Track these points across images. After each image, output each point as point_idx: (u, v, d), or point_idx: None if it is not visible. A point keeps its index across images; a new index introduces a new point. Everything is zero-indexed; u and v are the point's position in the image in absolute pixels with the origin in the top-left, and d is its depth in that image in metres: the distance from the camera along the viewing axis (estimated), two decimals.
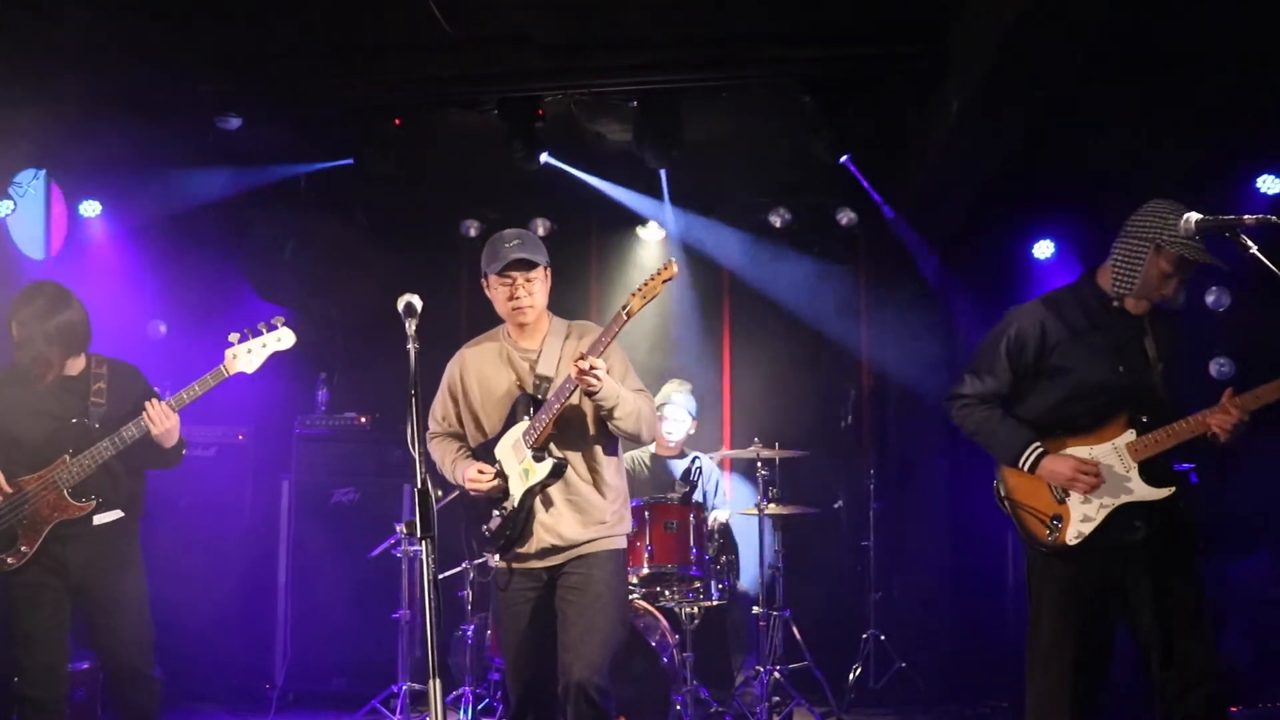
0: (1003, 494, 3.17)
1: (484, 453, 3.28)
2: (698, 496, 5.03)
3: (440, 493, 4.15)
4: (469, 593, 5.11)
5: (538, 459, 3.15)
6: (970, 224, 6.17)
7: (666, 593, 4.77)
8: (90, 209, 6.21)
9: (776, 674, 5.01)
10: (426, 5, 4.40)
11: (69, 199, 6.15)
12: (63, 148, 5.47)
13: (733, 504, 5.68)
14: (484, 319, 3.55)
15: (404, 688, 5.09)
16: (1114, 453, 3.00)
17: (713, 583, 4.78)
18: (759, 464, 5.06)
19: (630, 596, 4.57)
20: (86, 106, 5.06)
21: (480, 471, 3.20)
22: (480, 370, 3.33)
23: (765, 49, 4.94)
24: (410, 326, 2.65)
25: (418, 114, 5.51)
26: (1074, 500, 3.01)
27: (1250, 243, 2.68)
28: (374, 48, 5.01)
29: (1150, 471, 2.97)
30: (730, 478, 6.28)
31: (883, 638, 5.70)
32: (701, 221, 6.57)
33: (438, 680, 2.31)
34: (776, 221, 6.43)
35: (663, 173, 5.79)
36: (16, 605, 3.43)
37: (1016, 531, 3.17)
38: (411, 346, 2.62)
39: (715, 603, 4.86)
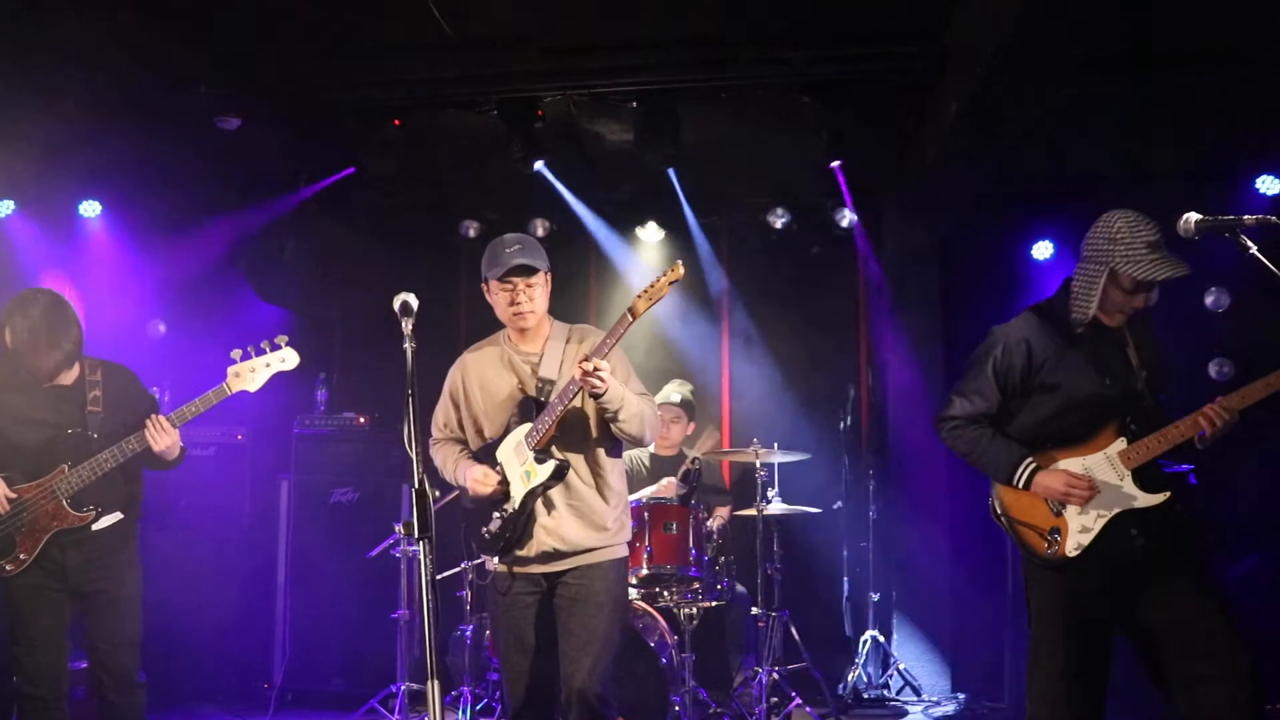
0: (999, 510, 3.16)
1: (485, 455, 3.28)
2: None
3: (438, 493, 4.14)
4: (468, 593, 5.11)
5: (540, 461, 3.15)
6: (969, 225, 6.17)
7: (665, 593, 4.77)
8: (90, 209, 6.22)
9: (775, 675, 5.00)
10: (426, 6, 4.40)
11: (70, 199, 6.17)
12: (63, 148, 5.48)
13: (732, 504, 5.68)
14: (483, 319, 3.55)
15: (402, 688, 5.09)
16: (1106, 462, 3.00)
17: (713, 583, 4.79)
18: (758, 465, 5.06)
19: (629, 597, 4.57)
20: (87, 107, 5.06)
21: (485, 474, 3.20)
22: (482, 375, 3.33)
23: (764, 50, 4.94)
24: (406, 325, 2.65)
25: (418, 115, 5.51)
26: (1071, 512, 3.00)
27: (1250, 243, 2.68)
28: (374, 49, 5.02)
29: (1144, 478, 2.96)
30: (729, 478, 6.28)
31: (881, 639, 5.70)
32: (701, 222, 6.58)
33: (436, 680, 2.30)
34: (776, 222, 6.43)
35: (671, 172, 5.79)
36: (16, 606, 3.43)
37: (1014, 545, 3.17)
38: (408, 346, 2.62)
39: (714, 603, 4.86)
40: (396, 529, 5.07)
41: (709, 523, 4.92)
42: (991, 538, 5.47)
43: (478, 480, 3.19)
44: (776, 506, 5.11)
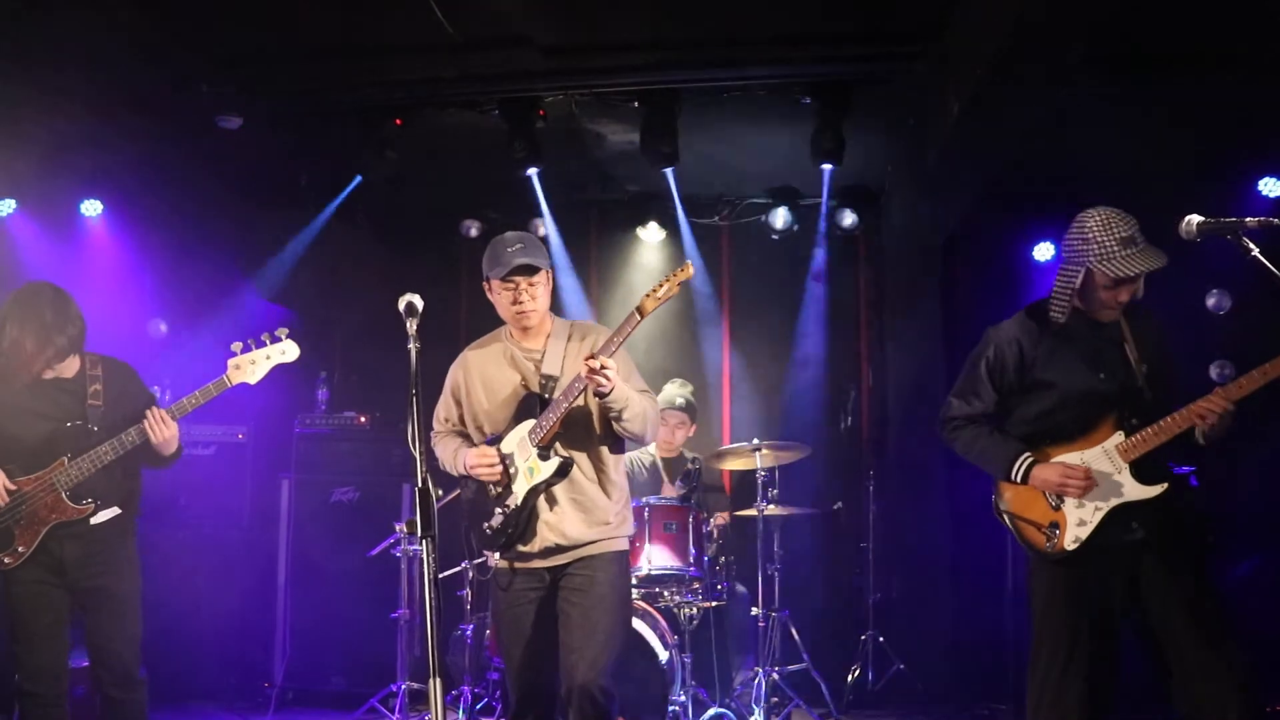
0: (1001, 507, 3.19)
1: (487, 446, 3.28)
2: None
3: (440, 491, 4.14)
4: (468, 592, 5.12)
5: (543, 457, 3.15)
6: (970, 225, 6.18)
7: (665, 593, 4.78)
8: (92, 208, 6.23)
9: (775, 675, 5.01)
10: (428, 6, 4.40)
11: (71, 198, 6.17)
12: (65, 147, 5.48)
13: (732, 505, 5.68)
14: (484, 318, 3.56)
15: (403, 687, 5.09)
16: (1104, 456, 3.01)
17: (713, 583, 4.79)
18: (759, 465, 5.06)
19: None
20: (88, 106, 5.06)
21: (483, 452, 3.19)
22: (484, 372, 3.34)
23: (766, 50, 4.95)
24: (411, 326, 2.66)
25: (419, 114, 5.51)
26: (1069, 506, 3.02)
27: (1252, 245, 2.69)
28: (376, 48, 5.01)
29: (1141, 470, 2.98)
30: (729, 478, 6.28)
31: (881, 639, 5.70)
32: (702, 222, 6.58)
33: (438, 679, 2.31)
34: (777, 222, 6.43)
35: (669, 172, 5.79)
36: (16, 603, 3.43)
37: (1017, 541, 3.17)
38: (412, 346, 2.63)
39: (714, 603, 4.86)
40: (397, 528, 5.09)
41: (709, 524, 4.92)
42: (991, 538, 5.47)
43: (476, 459, 3.19)
44: (776, 507, 5.12)
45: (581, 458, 3.22)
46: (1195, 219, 2.73)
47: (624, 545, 3.29)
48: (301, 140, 5.77)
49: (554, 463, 3.14)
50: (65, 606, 3.48)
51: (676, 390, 5.41)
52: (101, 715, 3.51)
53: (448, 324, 6.52)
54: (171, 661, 5.05)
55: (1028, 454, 3.07)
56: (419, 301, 2.69)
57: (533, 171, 5.66)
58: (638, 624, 4.44)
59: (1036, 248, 6.18)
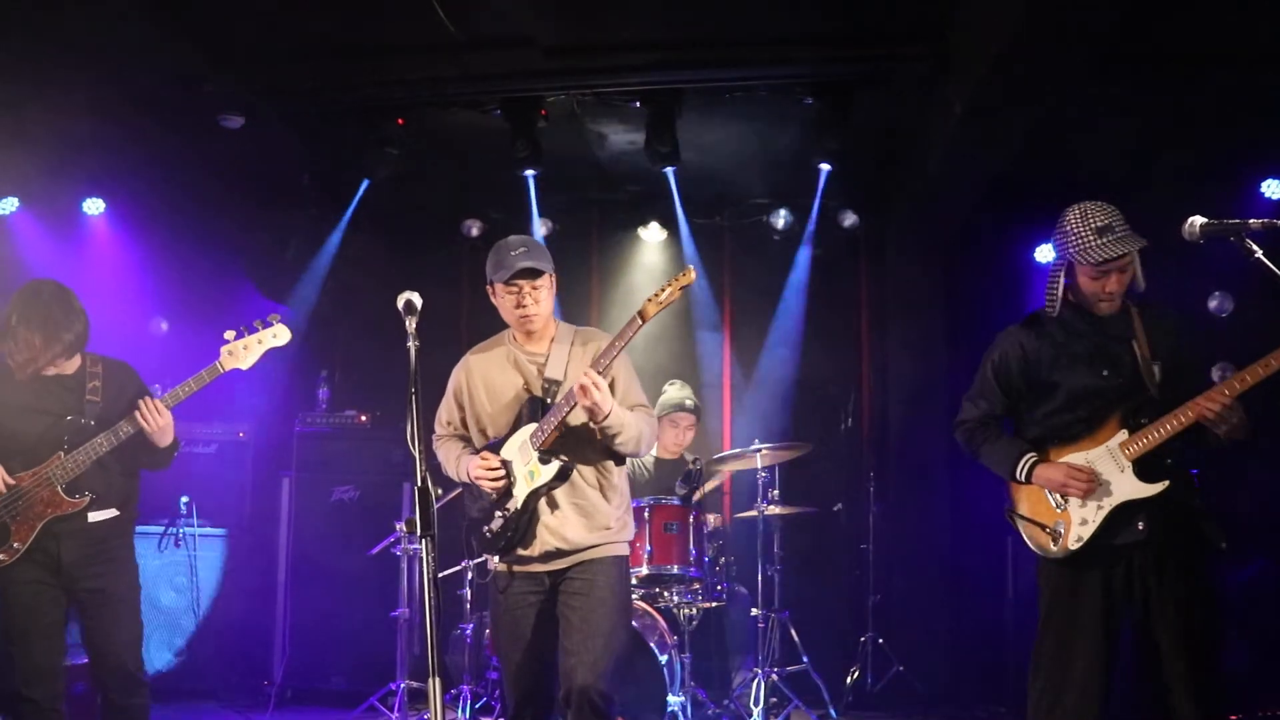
0: (1011, 508, 3.21)
1: (488, 452, 3.27)
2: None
3: (441, 491, 4.14)
4: (468, 591, 5.12)
5: (544, 461, 3.15)
6: (972, 226, 6.17)
7: (665, 594, 4.77)
8: (94, 207, 6.23)
9: (774, 676, 5.01)
10: (430, 6, 4.40)
11: (73, 196, 6.18)
12: (67, 146, 5.49)
13: (733, 506, 5.68)
14: (485, 318, 3.56)
15: (402, 685, 5.09)
16: (1108, 454, 3.01)
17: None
18: (759, 466, 5.06)
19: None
20: (91, 105, 5.07)
21: (485, 458, 3.19)
22: (487, 375, 3.33)
23: (768, 51, 4.94)
24: (410, 324, 2.65)
25: (421, 114, 5.52)
26: (1073, 505, 3.03)
27: (1255, 247, 2.68)
28: (378, 48, 5.02)
29: (1144, 468, 2.97)
30: (730, 479, 6.28)
31: (881, 641, 5.70)
32: (703, 222, 6.58)
33: (438, 678, 2.30)
34: (779, 223, 6.43)
35: (669, 172, 5.79)
36: (12, 604, 3.41)
37: (1020, 538, 3.18)
38: (412, 344, 2.62)
39: (714, 604, 4.86)
40: (397, 527, 5.08)
41: (707, 525, 4.92)
42: (991, 539, 5.49)
43: (480, 466, 3.19)
44: (777, 507, 5.11)
45: (583, 461, 3.21)
46: (1198, 220, 2.72)
47: (624, 550, 3.29)
48: (304, 140, 5.78)
49: (554, 467, 3.14)
50: (61, 606, 3.46)
51: (679, 391, 5.40)
52: (103, 717, 3.50)
53: (449, 323, 6.53)
54: (171, 659, 5.06)
55: (1031, 454, 3.09)
56: (418, 299, 2.69)
57: (530, 173, 5.65)
58: (637, 624, 4.44)
59: (1038, 249, 6.17)
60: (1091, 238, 2.96)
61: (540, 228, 6.39)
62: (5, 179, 5.84)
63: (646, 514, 4.64)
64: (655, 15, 4.70)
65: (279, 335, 3.58)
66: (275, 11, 4.61)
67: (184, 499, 5.70)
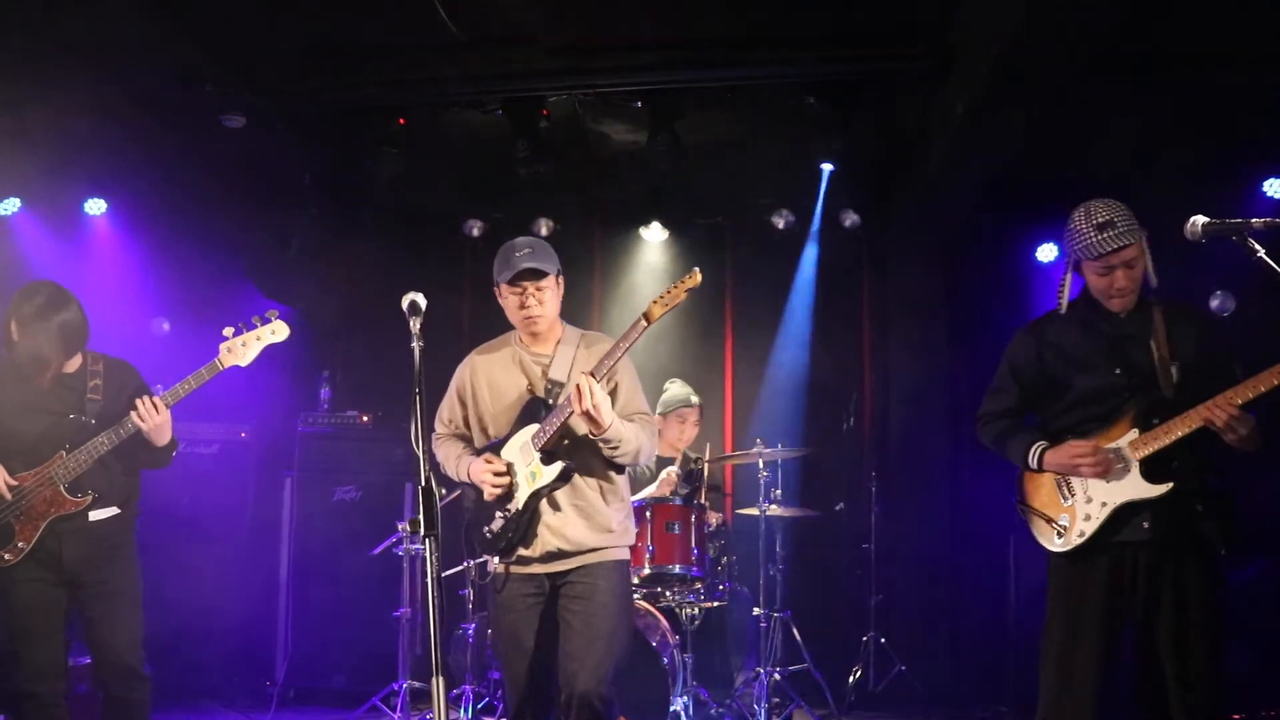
0: (1019, 499, 3.23)
1: (491, 453, 3.27)
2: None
3: (443, 491, 4.15)
4: (470, 591, 5.12)
5: (546, 462, 3.14)
6: (973, 226, 6.17)
7: (667, 593, 4.78)
8: (95, 207, 6.24)
9: (776, 676, 5.01)
10: (432, 6, 4.40)
11: (75, 196, 6.18)
12: (69, 146, 5.49)
13: (734, 504, 5.69)
14: (487, 318, 3.57)
15: (404, 685, 5.09)
16: (1117, 453, 3.01)
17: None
18: (760, 466, 5.06)
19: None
20: (93, 105, 5.07)
21: (489, 459, 3.19)
22: (490, 374, 3.33)
23: (770, 51, 4.94)
24: (415, 325, 2.66)
25: (422, 114, 5.52)
26: (1078, 500, 3.04)
27: (1257, 246, 2.67)
28: (379, 47, 5.02)
29: (1150, 469, 2.97)
30: (731, 479, 6.28)
31: (883, 640, 5.70)
32: (705, 222, 6.57)
33: (440, 678, 2.31)
34: (780, 223, 6.43)
35: (668, 173, 5.79)
36: (15, 602, 3.42)
37: (1021, 538, 3.19)
38: (416, 345, 2.63)
39: (716, 604, 4.86)
40: (400, 527, 5.11)
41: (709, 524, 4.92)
42: (993, 539, 5.50)
43: (485, 469, 3.18)
44: (779, 507, 5.12)
45: (585, 463, 3.21)
46: (1201, 220, 2.72)
47: (625, 554, 3.29)
48: (304, 140, 5.78)
49: (556, 467, 3.14)
50: (63, 605, 3.47)
51: (685, 390, 5.41)
52: (104, 713, 3.51)
53: (451, 323, 6.53)
54: (174, 659, 5.05)
55: (1042, 441, 3.11)
56: (422, 300, 2.69)
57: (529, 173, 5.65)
58: (638, 624, 4.44)
59: (1039, 249, 6.17)
60: (1092, 234, 2.99)
61: (542, 228, 6.39)
62: (7, 179, 5.84)
63: (648, 513, 4.64)
64: (657, 15, 4.70)
65: (277, 331, 3.59)
66: (276, 11, 4.61)
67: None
